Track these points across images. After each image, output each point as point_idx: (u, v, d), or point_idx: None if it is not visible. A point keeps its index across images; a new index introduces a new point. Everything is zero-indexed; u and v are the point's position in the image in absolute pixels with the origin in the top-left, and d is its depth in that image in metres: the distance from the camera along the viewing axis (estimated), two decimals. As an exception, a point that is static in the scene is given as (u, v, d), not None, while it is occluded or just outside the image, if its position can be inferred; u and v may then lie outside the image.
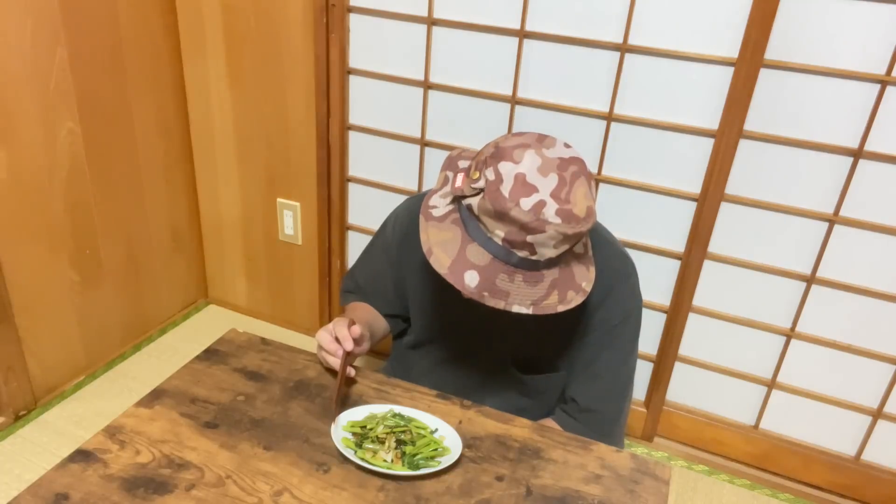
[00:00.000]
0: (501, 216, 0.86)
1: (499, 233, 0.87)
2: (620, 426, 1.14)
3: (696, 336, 1.57)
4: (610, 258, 1.08)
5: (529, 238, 0.86)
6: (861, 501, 1.56)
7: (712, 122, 1.37)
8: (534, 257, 0.88)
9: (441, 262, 0.89)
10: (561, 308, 0.89)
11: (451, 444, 0.90)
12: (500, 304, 0.88)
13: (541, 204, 0.85)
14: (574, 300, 0.90)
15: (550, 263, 0.90)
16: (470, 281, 0.88)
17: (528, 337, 1.11)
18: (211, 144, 1.92)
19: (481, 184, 0.88)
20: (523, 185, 0.85)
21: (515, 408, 1.15)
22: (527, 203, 0.85)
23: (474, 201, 0.89)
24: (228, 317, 2.12)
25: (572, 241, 0.89)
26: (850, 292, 1.41)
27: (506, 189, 0.85)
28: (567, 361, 1.12)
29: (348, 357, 0.98)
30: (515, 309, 0.88)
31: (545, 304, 0.89)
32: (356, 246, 1.88)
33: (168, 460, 0.86)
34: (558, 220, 0.85)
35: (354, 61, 1.66)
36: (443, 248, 0.90)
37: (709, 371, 1.59)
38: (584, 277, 0.93)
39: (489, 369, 1.16)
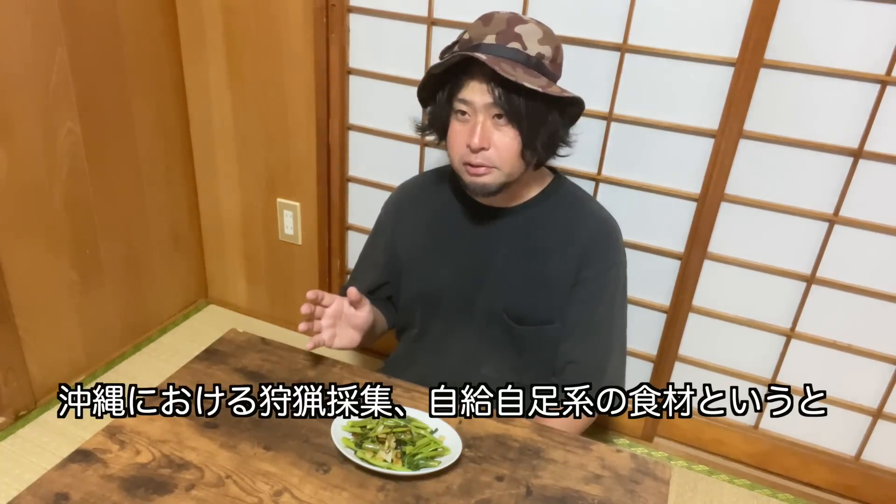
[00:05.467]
0: (488, 19, 1.07)
1: (490, 36, 1.04)
2: (610, 378, 1.18)
3: (696, 336, 1.57)
4: (594, 219, 1.20)
5: (517, 29, 1.04)
6: (861, 501, 1.56)
7: (712, 122, 1.37)
8: (525, 51, 1.03)
9: (452, 57, 1.04)
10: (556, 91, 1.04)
11: (451, 444, 0.90)
12: (508, 75, 0.98)
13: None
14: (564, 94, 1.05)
15: (540, 66, 1.05)
16: (482, 55, 1.00)
17: (517, 287, 1.17)
18: (211, 144, 1.92)
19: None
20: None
21: (512, 368, 1.18)
22: (504, 10, 1.09)
23: (462, 37, 1.09)
24: (228, 317, 2.12)
25: (551, 44, 1.06)
26: (850, 292, 1.41)
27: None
28: (557, 316, 1.17)
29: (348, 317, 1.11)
30: (528, 84, 0.99)
31: (548, 89, 1.02)
32: (356, 246, 1.88)
33: (168, 460, 0.86)
34: (534, 20, 1.07)
35: (354, 61, 1.66)
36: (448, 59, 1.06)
37: (709, 371, 1.59)
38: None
39: (485, 322, 1.20)
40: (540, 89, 1.00)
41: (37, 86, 1.49)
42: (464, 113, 1.07)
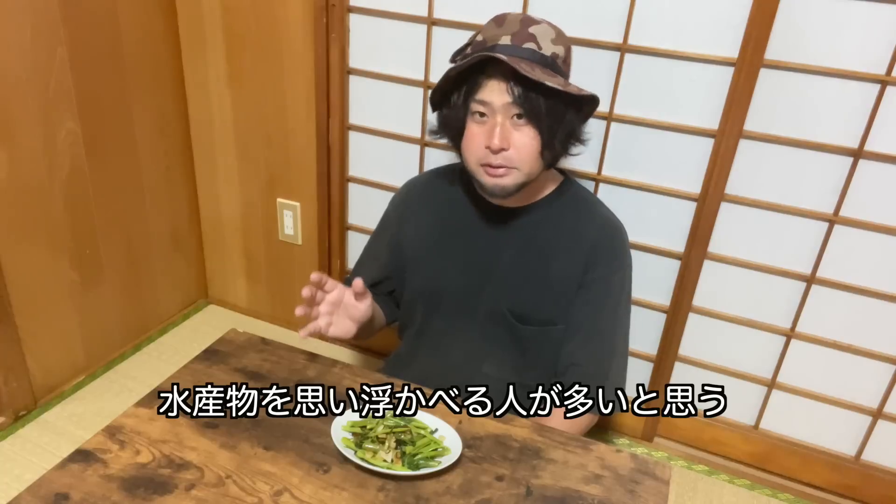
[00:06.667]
0: (501, 20, 1.06)
1: (505, 37, 1.03)
2: (612, 381, 1.18)
3: (696, 336, 1.57)
4: (601, 222, 1.19)
5: (531, 29, 1.04)
6: (861, 501, 1.56)
7: (712, 122, 1.37)
8: (540, 51, 1.03)
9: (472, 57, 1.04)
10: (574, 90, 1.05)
11: (451, 444, 0.90)
12: (529, 74, 0.98)
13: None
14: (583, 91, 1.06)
15: (555, 66, 1.05)
16: (501, 54, 1.00)
17: (521, 287, 1.17)
18: (211, 144, 1.92)
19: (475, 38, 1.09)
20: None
21: (514, 367, 1.18)
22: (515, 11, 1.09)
23: (475, 39, 1.08)
24: (228, 317, 2.12)
25: (563, 44, 1.07)
26: (850, 292, 1.41)
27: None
28: (561, 318, 1.17)
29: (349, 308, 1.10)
30: (549, 82, 0.99)
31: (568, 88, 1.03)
32: (356, 246, 1.88)
33: (168, 460, 0.86)
34: (546, 20, 1.08)
35: (354, 61, 1.66)
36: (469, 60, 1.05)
37: (709, 371, 1.59)
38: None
39: (487, 321, 1.20)
40: (560, 87, 1.01)
41: (37, 86, 1.49)
42: (482, 115, 1.06)
